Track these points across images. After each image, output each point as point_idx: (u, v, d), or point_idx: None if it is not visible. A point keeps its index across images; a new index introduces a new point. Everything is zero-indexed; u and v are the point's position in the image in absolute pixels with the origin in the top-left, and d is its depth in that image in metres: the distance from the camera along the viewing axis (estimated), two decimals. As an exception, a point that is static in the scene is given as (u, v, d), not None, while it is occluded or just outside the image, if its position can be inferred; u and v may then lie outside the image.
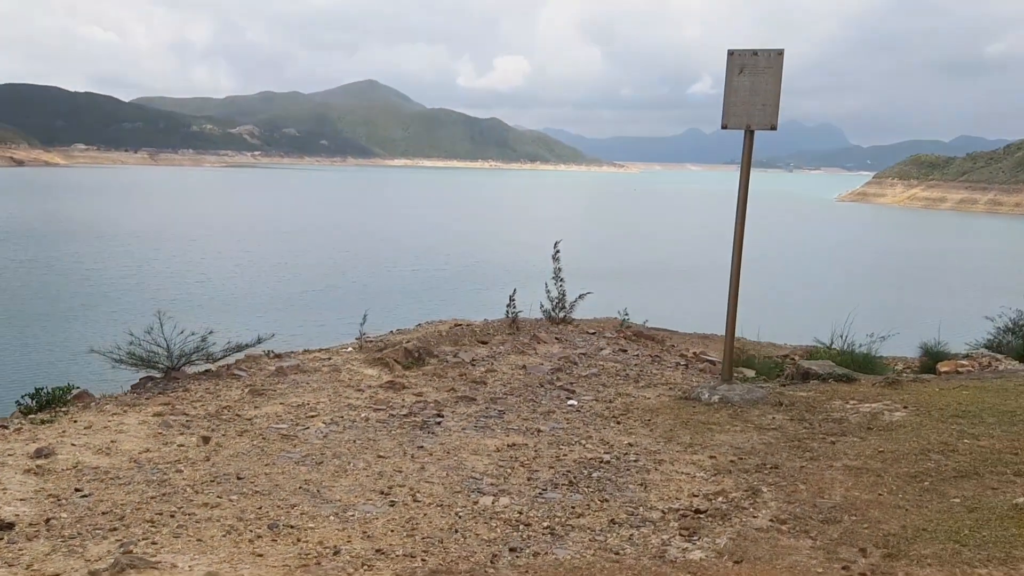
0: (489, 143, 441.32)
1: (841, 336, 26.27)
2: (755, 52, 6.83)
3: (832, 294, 51.47)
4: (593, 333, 12.43)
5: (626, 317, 20.87)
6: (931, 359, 10.45)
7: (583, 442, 5.76)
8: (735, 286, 7.24)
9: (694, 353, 13.35)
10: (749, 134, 6.99)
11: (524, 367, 8.74)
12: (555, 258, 16.87)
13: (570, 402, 7.04)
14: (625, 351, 10.99)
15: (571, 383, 7.88)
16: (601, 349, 10.93)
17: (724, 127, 7.01)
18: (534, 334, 11.44)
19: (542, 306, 17.96)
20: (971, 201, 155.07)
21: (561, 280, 17.02)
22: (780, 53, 6.80)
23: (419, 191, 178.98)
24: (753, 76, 6.85)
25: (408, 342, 8.44)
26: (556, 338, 11.46)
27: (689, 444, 5.74)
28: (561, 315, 16.98)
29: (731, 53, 6.87)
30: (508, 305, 16.83)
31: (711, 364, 11.75)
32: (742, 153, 7.03)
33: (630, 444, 5.72)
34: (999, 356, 10.25)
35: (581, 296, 17.20)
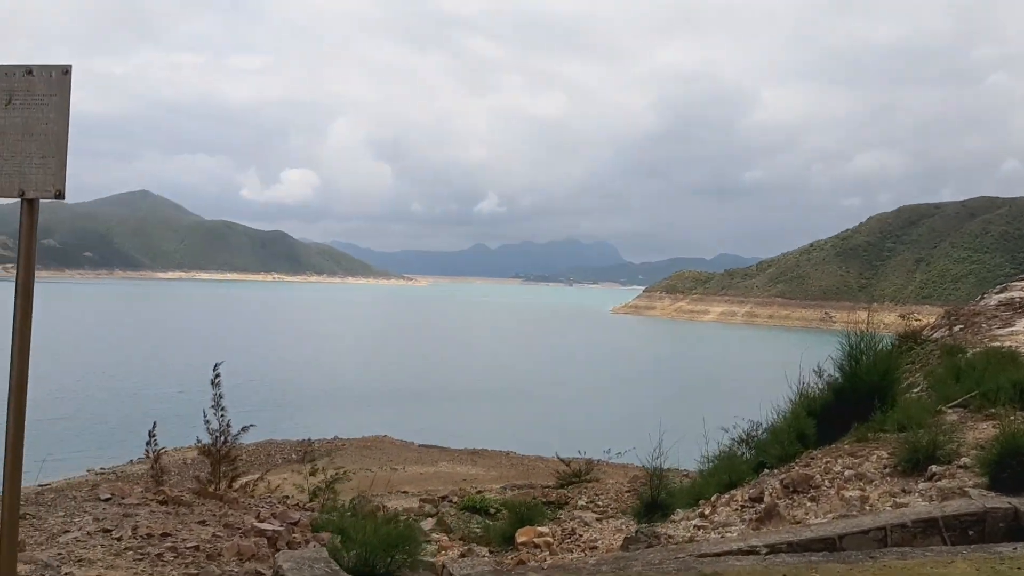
0: (274, 256, 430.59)
1: (581, 452, 24.16)
2: (30, 70, 4.05)
3: (595, 403, 51.27)
4: (108, 499, 9.06)
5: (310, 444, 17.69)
6: (515, 522, 7.93)
7: None
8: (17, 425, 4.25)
9: (275, 515, 10.26)
10: (27, 204, 4.14)
11: None
12: (214, 383, 13.63)
13: None
14: (108, 531, 7.70)
15: None
16: (66, 532, 7.59)
17: (-16, 194, 4.14)
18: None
19: (198, 440, 14.57)
20: (731, 313, 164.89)
21: (222, 409, 13.76)
22: (67, 71, 4.06)
23: (184, 307, 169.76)
24: (27, 110, 4.05)
25: None
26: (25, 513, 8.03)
27: None
28: (225, 448, 13.78)
29: (-10, 69, 4.07)
30: (148, 443, 13.29)
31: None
32: (20, 228, 4.17)
33: None
34: (588, 520, 7.85)
35: (244, 428, 14.10)
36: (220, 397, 13.54)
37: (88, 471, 30.15)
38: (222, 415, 13.58)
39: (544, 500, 16.62)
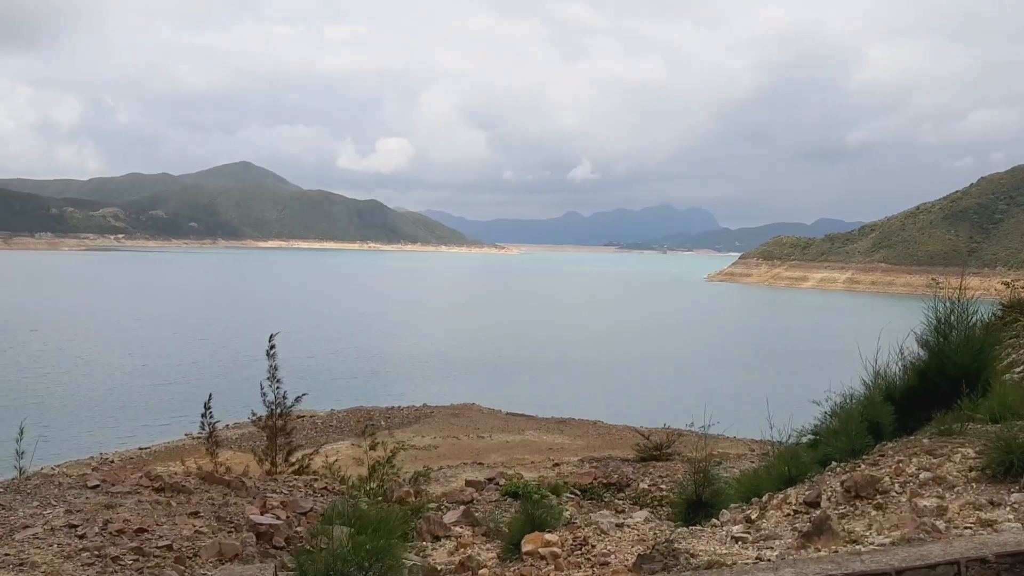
0: (369, 225, 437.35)
1: (665, 424, 22.78)
2: None
3: (675, 376, 49.91)
4: (95, 486, 8.33)
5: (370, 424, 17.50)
6: (525, 525, 6.79)
7: None
8: None
9: (280, 504, 9.38)
10: None
11: None
12: (270, 355, 13.10)
13: None
14: (74, 527, 6.92)
15: None
16: (28, 527, 6.83)
17: None
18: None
19: (253, 413, 14.07)
20: (831, 280, 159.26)
21: (278, 381, 13.24)
22: None
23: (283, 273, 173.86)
24: None
25: None
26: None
27: None
28: (280, 419, 13.40)
29: None
30: (203, 415, 12.76)
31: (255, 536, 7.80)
32: None
33: None
34: (604, 528, 6.68)
35: (298, 398, 13.62)
36: (275, 369, 12.85)
37: (186, 435, 30.74)
38: (277, 387, 12.88)
39: (604, 482, 15.47)
